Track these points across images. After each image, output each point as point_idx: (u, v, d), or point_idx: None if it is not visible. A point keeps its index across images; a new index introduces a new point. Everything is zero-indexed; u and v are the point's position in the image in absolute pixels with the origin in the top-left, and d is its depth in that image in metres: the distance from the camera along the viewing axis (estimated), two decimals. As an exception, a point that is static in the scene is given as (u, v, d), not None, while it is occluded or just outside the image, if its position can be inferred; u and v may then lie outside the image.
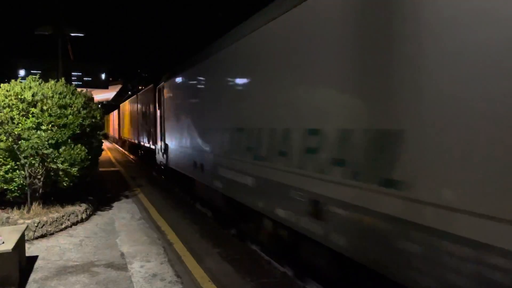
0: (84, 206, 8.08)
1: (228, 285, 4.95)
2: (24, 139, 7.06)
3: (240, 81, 6.69)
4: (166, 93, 12.75)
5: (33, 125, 7.20)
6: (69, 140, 7.45)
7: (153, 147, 15.78)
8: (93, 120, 8.44)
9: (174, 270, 5.30)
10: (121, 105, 31.43)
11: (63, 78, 8.50)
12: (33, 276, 5.08)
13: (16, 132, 7.03)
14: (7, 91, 7.47)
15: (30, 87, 7.53)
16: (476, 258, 2.55)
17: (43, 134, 7.16)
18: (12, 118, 7.17)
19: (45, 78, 8.22)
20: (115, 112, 37.35)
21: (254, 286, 4.94)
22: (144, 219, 8.21)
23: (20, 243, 5.11)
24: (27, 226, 6.09)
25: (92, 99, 9.36)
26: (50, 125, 7.29)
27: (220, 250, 6.30)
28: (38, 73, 8.27)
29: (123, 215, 8.52)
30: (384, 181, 3.29)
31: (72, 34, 18.59)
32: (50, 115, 7.35)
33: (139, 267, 5.39)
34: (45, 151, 7.10)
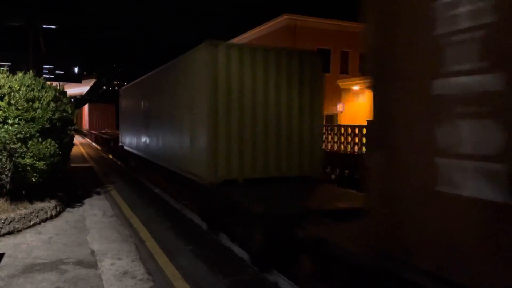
0: (54, 202, 7.88)
1: (200, 282, 4.93)
2: (-10, 133, 6.82)
3: None
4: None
5: (0, 119, 6.96)
6: (37, 134, 7.23)
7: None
8: (64, 114, 8.23)
9: (145, 268, 5.23)
10: (87, 105, 41.52)
11: (31, 71, 8.24)
12: (-2, 274, 4.93)
13: (-18, 126, 6.78)
14: (-28, 84, 7.19)
15: (-3, 80, 7.28)
16: None
17: (11, 128, 6.94)
18: (-22, 112, 6.90)
19: (15, 70, 7.95)
20: (85, 110, 46.08)
21: (227, 283, 4.93)
22: (116, 216, 8.07)
23: (-15, 241, 4.96)
24: (-7, 223, 5.92)
25: (64, 93, 9.13)
26: (17, 119, 7.06)
27: (193, 247, 6.26)
28: (7, 65, 8.00)
29: (94, 211, 8.36)
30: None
31: (44, 26, 18.13)
32: (17, 109, 7.12)
33: (109, 265, 5.30)
34: (13, 146, 6.88)
